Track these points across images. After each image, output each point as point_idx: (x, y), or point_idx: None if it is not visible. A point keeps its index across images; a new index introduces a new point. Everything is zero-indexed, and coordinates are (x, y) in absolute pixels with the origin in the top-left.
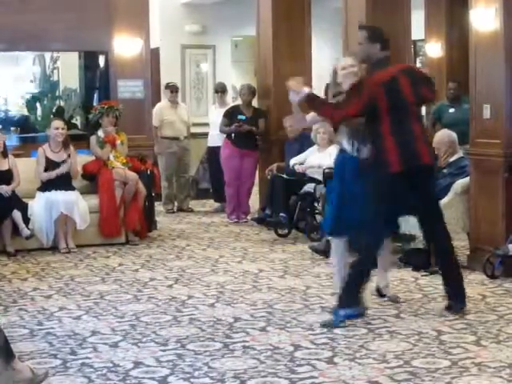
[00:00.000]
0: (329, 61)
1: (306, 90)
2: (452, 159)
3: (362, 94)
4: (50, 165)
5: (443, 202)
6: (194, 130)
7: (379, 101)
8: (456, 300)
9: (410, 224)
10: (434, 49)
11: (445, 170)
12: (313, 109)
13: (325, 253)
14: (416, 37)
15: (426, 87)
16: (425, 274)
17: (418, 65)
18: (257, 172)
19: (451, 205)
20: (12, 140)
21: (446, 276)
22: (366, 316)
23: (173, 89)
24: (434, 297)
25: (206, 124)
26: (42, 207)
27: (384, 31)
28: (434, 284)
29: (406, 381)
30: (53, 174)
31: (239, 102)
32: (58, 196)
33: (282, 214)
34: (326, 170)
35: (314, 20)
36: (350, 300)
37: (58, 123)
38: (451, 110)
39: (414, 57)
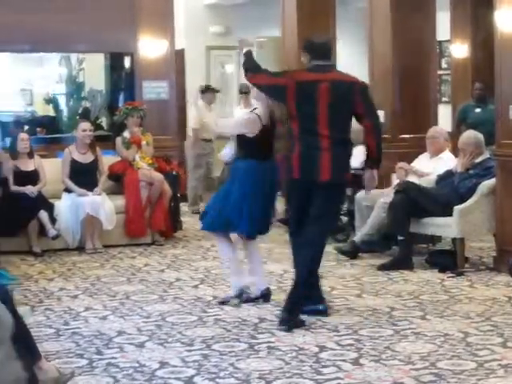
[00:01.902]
0: (353, 60)
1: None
2: (478, 160)
3: (277, 77)
4: (76, 166)
5: (469, 203)
6: None
7: (288, 94)
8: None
9: (435, 225)
10: (460, 49)
11: (471, 171)
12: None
13: (350, 254)
14: (441, 37)
15: (360, 104)
16: (451, 275)
17: (444, 65)
18: None
19: (477, 206)
20: (38, 141)
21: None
22: (392, 317)
23: (213, 91)
24: (460, 298)
25: None
26: (68, 208)
27: (317, 42)
28: (460, 285)
29: (432, 382)
30: (75, 188)
31: None
32: (84, 197)
33: None
34: (352, 172)
35: (338, 20)
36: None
37: (85, 125)
38: (477, 111)
39: (440, 57)
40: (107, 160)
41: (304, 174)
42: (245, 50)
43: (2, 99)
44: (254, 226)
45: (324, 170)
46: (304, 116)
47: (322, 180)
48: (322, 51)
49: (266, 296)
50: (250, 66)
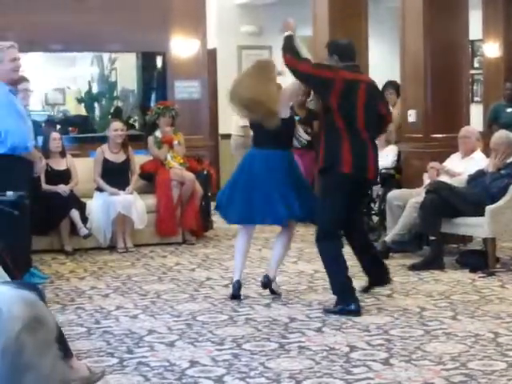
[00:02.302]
0: (384, 60)
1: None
2: (510, 160)
3: (324, 69)
4: (108, 166)
5: (501, 203)
6: None
7: (334, 89)
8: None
9: (466, 225)
10: (492, 49)
11: (502, 171)
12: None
13: (382, 254)
14: (473, 37)
15: (382, 104)
16: (482, 275)
17: (476, 65)
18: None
19: (509, 206)
20: (70, 140)
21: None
22: (423, 318)
23: None
24: (490, 299)
25: None
26: (100, 207)
27: (343, 44)
28: (491, 286)
29: (462, 383)
30: (106, 188)
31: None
32: (116, 196)
33: None
34: (383, 171)
35: (370, 19)
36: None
37: (117, 125)
38: (509, 110)
39: (472, 57)
40: (139, 159)
41: (357, 169)
42: (286, 34)
43: (34, 98)
44: (241, 215)
45: (371, 168)
46: (346, 113)
47: (370, 178)
48: (348, 52)
49: (262, 283)
50: (292, 50)
